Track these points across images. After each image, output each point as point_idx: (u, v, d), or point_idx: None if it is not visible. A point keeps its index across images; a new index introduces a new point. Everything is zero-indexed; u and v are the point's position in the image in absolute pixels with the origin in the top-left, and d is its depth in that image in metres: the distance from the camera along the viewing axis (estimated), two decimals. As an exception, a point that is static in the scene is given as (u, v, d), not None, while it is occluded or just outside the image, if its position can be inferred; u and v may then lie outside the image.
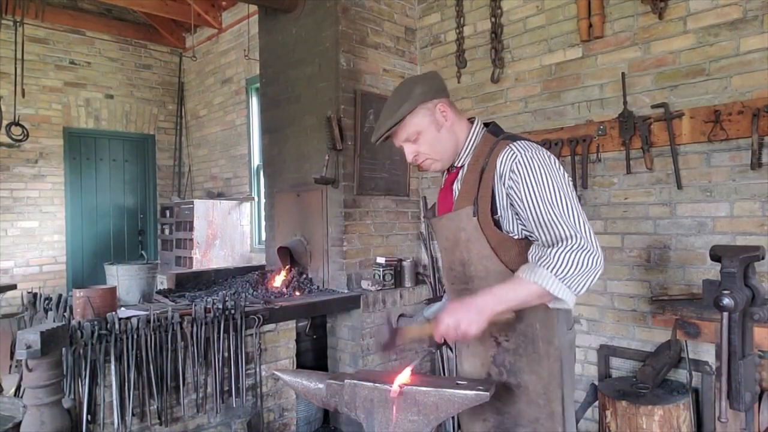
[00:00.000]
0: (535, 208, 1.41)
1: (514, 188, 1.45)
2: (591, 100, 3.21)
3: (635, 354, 3.00)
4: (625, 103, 3.01)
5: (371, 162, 3.85)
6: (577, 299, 1.41)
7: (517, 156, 1.45)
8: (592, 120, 3.20)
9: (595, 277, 1.36)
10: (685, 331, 2.38)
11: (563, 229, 1.38)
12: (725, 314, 1.92)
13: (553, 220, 1.39)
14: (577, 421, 3.19)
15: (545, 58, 3.43)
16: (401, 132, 1.58)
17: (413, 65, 4.21)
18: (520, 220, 1.48)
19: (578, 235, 1.37)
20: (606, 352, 3.14)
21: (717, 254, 2.05)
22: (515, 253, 1.51)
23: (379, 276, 3.68)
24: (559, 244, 1.37)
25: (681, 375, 2.81)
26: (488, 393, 1.35)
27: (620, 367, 3.11)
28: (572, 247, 1.35)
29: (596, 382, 3.12)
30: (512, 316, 1.48)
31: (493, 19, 3.67)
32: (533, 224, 1.43)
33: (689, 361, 2.69)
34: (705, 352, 2.72)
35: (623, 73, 3.03)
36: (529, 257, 1.45)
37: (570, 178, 1.51)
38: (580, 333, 3.28)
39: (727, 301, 1.88)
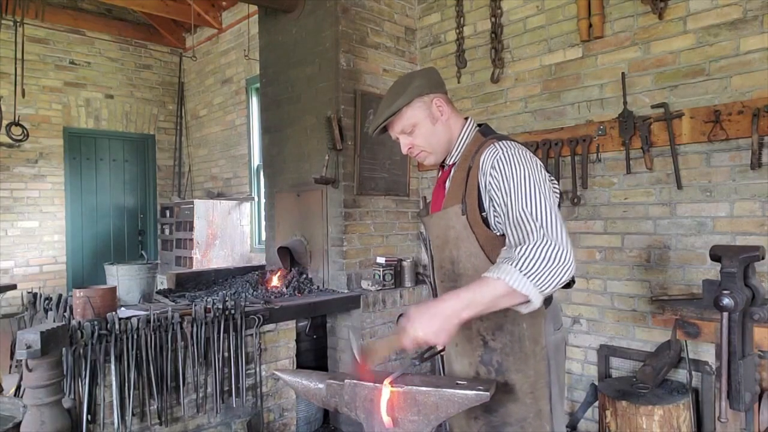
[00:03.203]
0: (508, 204, 1.41)
1: (493, 184, 1.46)
2: (591, 100, 3.21)
3: (635, 354, 3.00)
4: (625, 103, 3.01)
5: (371, 162, 3.84)
6: (544, 297, 1.33)
7: (498, 153, 1.46)
8: (592, 120, 3.20)
9: (562, 273, 1.30)
10: (685, 331, 2.38)
11: (531, 227, 1.35)
12: (725, 314, 1.92)
13: (523, 217, 1.37)
14: (577, 421, 3.19)
15: (545, 58, 3.43)
16: (397, 124, 1.61)
17: (413, 65, 4.21)
18: (498, 216, 1.47)
19: (545, 233, 1.33)
20: (606, 352, 3.14)
21: (717, 254, 2.05)
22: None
23: (379, 276, 3.68)
24: (525, 243, 1.34)
25: (681, 375, 2.81)
26: (489, 393, 1.35)
27: (620, 367, 3.11)
28: (537, 244, 1.31)
29: (596, 382, 3.12)
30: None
31: (493, 19, 3.67)
32: (505, 220, 1.42)
33: (689, 361, 2.69)
34: (705, 352, 2.72)
35: (623, 73, 3.03)
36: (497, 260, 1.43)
37: (555, 181, 1.52)
38: (580, 333, 3.29)
39: (727, 301, 1.89)
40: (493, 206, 1.47)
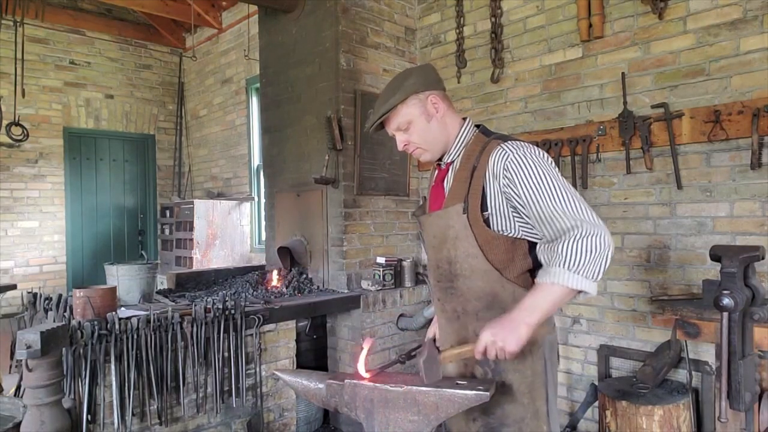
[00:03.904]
0: (534, 204, 1.44)
1: (510, 187, 1.47)
2: (591, 100, 3.21)
3: (635, 354, 3.00)
4: (625, 103, 3.01)
5: (371, 162, 3.85)
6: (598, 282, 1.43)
7: (509, 155, 1.48)
8: (592, 120, 3.20)
9: (607, 257, 1.37)
10: (685, 331, 2.38)
11: (564, 221, 1.40)
12: (725, 314, 1.92)
13: (553, 213, 1.42)
14: (577, 421, 3.19)
15: (545, 58, 3.43)
16: (393, 121, 1.62)
17: (413, 65, 4.21)
18: (521, 216, 1.50)
19: (579, 223, 1.39)
20: (606, 352, 3.14)
21: (717, 254, 2.05)
22: (501, 252, 1.52)
23: (379, 276, 3.68)
24: (563, 237, 1.40)
25: (681, 375, 2.81)
26: (488, 393, 1.36)
27: (620, 367, 3.11)
28: (576, 236, 1.37)
29: (596, 382, 3.12)
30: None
31: (493, 19, 3.67)
32: (535, 220, 1.46)
33: (689, 361, 2.69)
34: (705, 352, 2.72)
35: (623, 73, 3.03)
36: (540, 257, 1.49)
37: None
38: (580, 333, 3.29)
39: (727, 301, 1.89)
40: (515, 207, 1.49)
